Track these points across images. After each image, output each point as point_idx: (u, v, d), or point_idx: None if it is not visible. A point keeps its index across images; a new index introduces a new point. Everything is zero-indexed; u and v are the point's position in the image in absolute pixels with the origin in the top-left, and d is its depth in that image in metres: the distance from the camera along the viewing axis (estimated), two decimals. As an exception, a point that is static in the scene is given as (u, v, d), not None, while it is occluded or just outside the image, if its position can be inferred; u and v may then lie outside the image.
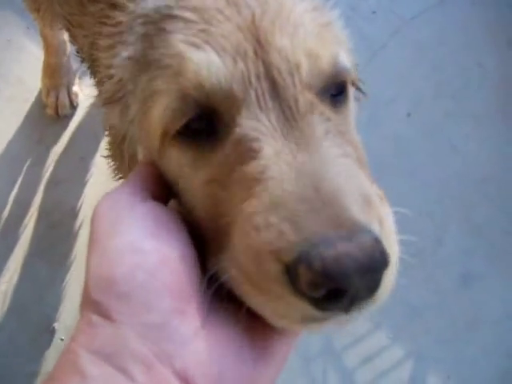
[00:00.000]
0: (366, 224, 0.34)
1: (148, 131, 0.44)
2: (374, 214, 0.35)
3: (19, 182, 1.28)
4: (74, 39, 0.89)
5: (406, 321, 1.21)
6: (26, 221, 1.25)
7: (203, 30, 0.40)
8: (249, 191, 0.37)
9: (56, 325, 1.15)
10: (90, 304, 0.35)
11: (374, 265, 0.33)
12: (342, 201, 0.34)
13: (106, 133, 0.66)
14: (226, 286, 0.38)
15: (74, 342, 0.34)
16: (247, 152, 0.38)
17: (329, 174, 0.35)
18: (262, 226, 0.35)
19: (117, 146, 0.53)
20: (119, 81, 0.48)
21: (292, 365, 1.12)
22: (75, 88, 1.33)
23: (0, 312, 1.16)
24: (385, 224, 0.36)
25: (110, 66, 0.59)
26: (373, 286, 0.34)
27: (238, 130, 0.38)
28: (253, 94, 0.39)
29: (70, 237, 1.22)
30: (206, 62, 0.39)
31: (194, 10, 0.42)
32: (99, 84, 0.75)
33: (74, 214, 1.23)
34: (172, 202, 0.45)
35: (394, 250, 0.37)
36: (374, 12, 1.47)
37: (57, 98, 1.31)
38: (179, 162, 0.42)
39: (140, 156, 0.49)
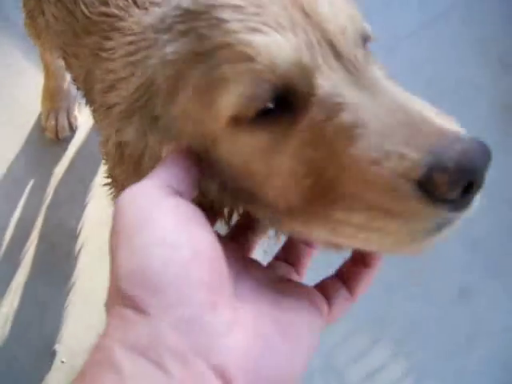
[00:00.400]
0: (461, 131, 0.40)
1: (203, 123, 0.45)
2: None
3: (20, 204, 1.29)
4: (69, 68, 0.91)
5: (405, 336, 1.22)
6: (27, 243, 1.26)
7: (256, 14, 0.42)
8: (349, 138, 0.40)
9: (57, 347, 1.15)
10: (122, 299, 0.35)
11: (489, 158, 0.39)
12: (434, 120, 0.40)
13: (105, 158, 0.68)
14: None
15: (106, 337, 0.34)
16: (334, 107, 0.40)
17: (409, 102, 0.40)
18: (382, 157, 0.38)
19: (133, 164, 0.52)
20: (142, 87, 0.49)
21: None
22: (75, 111, 1.34)
23: (1, 334, 1.17)
24: None
25: (108, 91, 0.61)
26: (484, 180, 0.39)
27: (319, 91, 0.41)
28: (320, 59, 0.41)
29: (71, 258, 1.23)
30: (274, 43, 0.41)
31: None
32: (96, 113, 0.78)
33: (74, 235, 1.24)
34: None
35: None
36: (367, 31, 1.50)
37: (56, 122, 1.32)
38: (255, 146, 0.43)
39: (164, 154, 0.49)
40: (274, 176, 0.43)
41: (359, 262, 0.47)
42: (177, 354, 0.33)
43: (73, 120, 1.34)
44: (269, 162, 0.43)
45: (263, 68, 0.41)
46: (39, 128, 1.34)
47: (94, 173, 1.29)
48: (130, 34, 0.65)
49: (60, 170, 1.31)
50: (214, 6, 0.43)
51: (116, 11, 0.73)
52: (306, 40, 0.41)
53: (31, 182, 1.31)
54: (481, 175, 0.38)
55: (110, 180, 0.77)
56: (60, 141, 1.33)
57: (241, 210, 0.53)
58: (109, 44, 0.70)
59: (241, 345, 0.35)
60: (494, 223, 1.31)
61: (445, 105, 1.42)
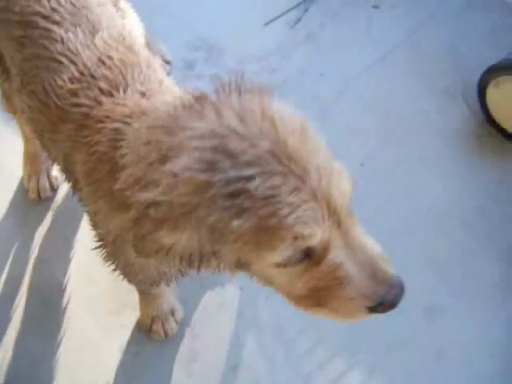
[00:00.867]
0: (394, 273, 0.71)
1: (251, 252, 0.66)
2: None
3: (8, 262, 1.38)
4: (45, 149, 1.01)
5: (379, 356, 1.30)
6: (17, 298, 1.34)
7: (304, 209, 0.64)
8: (341, 283, 0.68)
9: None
10: None
11: (403, 293, 0.72)
12: (384, 267, 0.70)
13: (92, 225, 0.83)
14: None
15: None
16: (335, 265, 0.68)
17: (373, 253, 0.70)
18: (357, 295, 0.69)
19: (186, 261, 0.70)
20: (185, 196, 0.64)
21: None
22: (54, 172, 1.44)
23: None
24: None
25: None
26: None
27: (329, 256, 0.67)
28: (332, 233, 0.67)
29: (60, 311, 1.31)
30: (314, 234, 0.64)
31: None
32: (80, 191, 0.88)
33: (61, 289, 1.33)
34: None
35: None
36: (321, 74, 1.62)
37: (37, 183, 1.43)
38: (286, 273, 0.69)
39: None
40: (290, 287, 0.71)
41: None
42: None
43: (53, 181, 1.44)
44: (290, 281, 0.70)
45: (304, 244, 0.64)
46: (22, 190, 1.44)
47: (76, 229, 1.39)
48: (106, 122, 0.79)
49: (44, 227, 1.41)
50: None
51: (87, 101, 0.84)
52: (328, 224, 0.65)
53: (18, 241, 1.40)
54: (399, 302, 0.71)
55: (101, 243, 0.93)
56: (42, 200, 1.43)
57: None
58: (85, 131, 0.80)
59: None
60: (454, 246, 1.41)
61: (400, 132, 1.55)
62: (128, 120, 0.79)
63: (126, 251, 0.88)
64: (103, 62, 0.89)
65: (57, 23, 0.91)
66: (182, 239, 0.65)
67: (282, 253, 0.64)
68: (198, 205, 0.62)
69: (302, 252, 0.66)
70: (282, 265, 0.66)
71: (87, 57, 0.89)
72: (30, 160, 1.42)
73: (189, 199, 0.62)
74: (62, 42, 0.91)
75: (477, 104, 1.58)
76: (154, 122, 0.73)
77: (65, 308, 1.32)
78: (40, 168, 1.42)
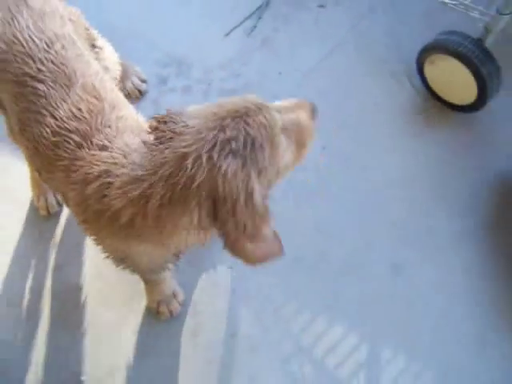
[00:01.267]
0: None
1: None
2: None
3: (30, 273, 1.58)
4: (45, 181, 1.20)
5: (356, 313, 1.50)
6: (42, 302, 1.54)
7: None
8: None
9: (84, 378, 1.44)
10: None
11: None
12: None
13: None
14: None
15: None
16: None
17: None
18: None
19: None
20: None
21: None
22: (59, 189, 1.65)
23: (35, 378, 1.45)
24: None
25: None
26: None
27: None
28: None
29: (79, 307, 1.52)
30: None
31: None
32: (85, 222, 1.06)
33: (78, 289, 1.54)
34: None
35: None
36: (280, 73, 1.83)
37: (46, 201, 1.63)
38: None
39: None
40: None
41: None
42: None
43: (59, 197, 1.64)
44: None
45: None
46: (34, 209, 1.65)
47: (83, 236, 1.59)
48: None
49: (57, 238, 1.61)
50: None
51: (66, 154, 1.02)
52: None
53: (36, 253, 1.60)
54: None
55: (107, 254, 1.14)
56: (52, 215, 1.64)
57: None
58: (72, 177, 1.00)
59: None
60: (411, 208, 1.62)
61: (355, 116, 1.77)
62: (102, 170, 0.96)
63: (132, 253, 1.07)
64: (75, 115, 1.04)
65: (41, 81, 1.06)
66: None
67: None
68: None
69: None
70: None
71: (64, 110, 1.04)
72: (37, 183, 1.62)
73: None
74: (45, 97, 1.06)
75: (419, 81, 1.79)
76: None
77: (83, 304, 1.52)
78: (46, 188, 1.63)
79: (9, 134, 1.42)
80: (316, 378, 1.43)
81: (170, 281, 1.48)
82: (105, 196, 0.91)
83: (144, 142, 0.91)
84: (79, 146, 1.01)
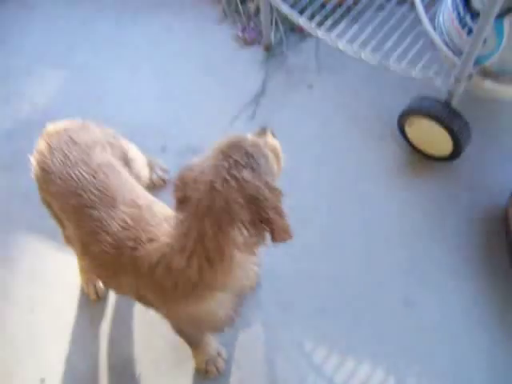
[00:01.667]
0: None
1: None
2: None
3: (87, 350, 1.76)
4: (112, 287, 1.45)
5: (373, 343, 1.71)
6: (99, 376, 1.72)
7: None
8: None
9: None
10: None
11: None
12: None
13: None
14: None
15: None
16: None
17: None
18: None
19: None
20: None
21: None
22: (104, 274, 1.89)
23: None
24: None
25: None
26: None
27: None
28: None
29: (134, 376, 1.71)
30: None
31: None
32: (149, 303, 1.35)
33: (131, 359, 1.73)
34: None
35: None
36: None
37: (94, 286, 1.85)
38: None
39: None
40: None
41: None
42: None
43: (106, 282, 1.88)
44: None
45: None
46: (84, 294, 1.87)
47: (131, 312, 1.81)
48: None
49: (107, 318, 1.82)
50: None
51: (127, 260, 1.24)
52: None
53: (91, 332, 1.79)
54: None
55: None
56: (101, 298, 1.85)
57: None
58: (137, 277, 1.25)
59: None
60: (413, 250, 1.86)
61: (350, 180, 2.02)
62: (159, 256, 1.18)
63: (207, 311, 1.26)
64: (123, 227, 1.26)
65: (94, 208, 1.30)
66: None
67: None
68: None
69: None
70: None
71: (114, 226, 1.26)
72: (85, 271, 1.84)
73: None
74: (99, 220, 1.28)
75: (402, 140, 2.07)
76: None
77: (138, 373, 1.71)
78: (93, 275, 1.87)
79: (64, 240, 1.68)
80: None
81: (213, 341, 1.68)
82: (171, 271, 1.13)
83: (176, 215, 1.13)
84: (134, 249, 1.23)
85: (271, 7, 2.17)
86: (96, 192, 1.32)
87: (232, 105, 2.22)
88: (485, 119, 2.09)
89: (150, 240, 1.21)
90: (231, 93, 2.25)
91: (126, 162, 1.54)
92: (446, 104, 1.81)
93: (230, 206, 1.02)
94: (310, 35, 2.33)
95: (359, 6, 2.09)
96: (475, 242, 1.85)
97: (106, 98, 2.29)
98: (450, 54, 1.79)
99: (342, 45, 1.91)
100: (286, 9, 2.02)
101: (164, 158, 2.08)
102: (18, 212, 2.04)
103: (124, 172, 1.44)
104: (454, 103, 1.81)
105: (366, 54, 1.87)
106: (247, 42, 2.35)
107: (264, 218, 1.05)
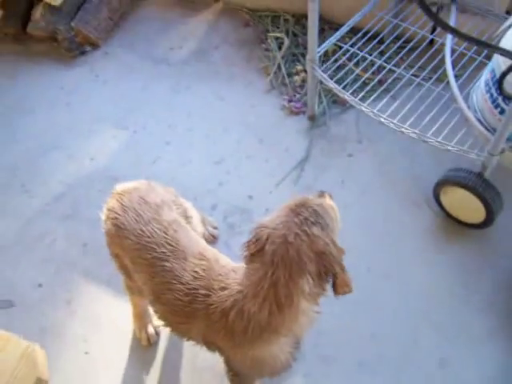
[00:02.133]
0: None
1: None
2: None
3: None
4: (180, 333, 1.57)
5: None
6: None
7: None
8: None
9: None
10: None
11: None
12: None
13: None
14: None
15: None
16: None
17: None
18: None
19: None
20: None
21: None
22: (156, 322, 2.01)
23: None
24: None
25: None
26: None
27: None
28: None
29: None
30: None
31: None
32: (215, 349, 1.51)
33: None
34: None
35: None
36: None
37: (147, 333, 1.96)
38: None
39: None
40: None
41: None
42: None
43: (157, 329, 1.99)
44: None
45: None
46: (136, 339, 2.00)
47: (180, 360, 1.92)
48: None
49: (158, 363, 1.94)
50: None
51: (199, 306, 1.37)
52: None
53: (142, 379, 1.91)
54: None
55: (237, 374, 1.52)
56: (152, 345, 1.97)
57: None
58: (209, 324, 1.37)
59: None
60: (448, 311, 1.96)
61: (388, 244, 2.11)
62: (232, 301, 1.30)
63: (270, 355, 1.37)
64: (195, 277, 1.39)
65: (166, 260, 1.43)
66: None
67: None
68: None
69: None
70: None
71: (187, 276, 1.39)
72: (139, 318, 1.95)
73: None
74: (172, 271, 1.41)
75: (437, 207, 2.21)
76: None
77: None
78: (146, 322, 1.96)
79: (126, 288, 1.83)
80: None
81: None
82: (243, 315, 1.26)
83: (247, 266, 1.27)
84: (207, 296, 1.36)
85: (317, 82, 2.38)
86: (168, 246, 1.46)
87: (278, 169, 2.39)
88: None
89: (222, 288, 1.34)
90: (277, 158, 2.44)
91: (187, 218, 1.68)
92: (480, 175, 1.96)
93: (301, 257, 1.16)
94: (350, 108, 2.54)
95: (398, 85, 2.29)
96: (508, 305, 1.95)
97: (160, 160, 2.49)
98: (483, 130, 1.96)
99: (383, 118, 2.10)
100: (333, 85, 2.22)
101: (214, 217, 2.25)
102: (77, 259, 2.21)
103: (189, 228, 1.59)
104: (488, 175, 1.96)
105: (406, 128, 2.05)
106: (293, 112, 2.55)
107: (329, 272, 1.19)
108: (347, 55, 2.44)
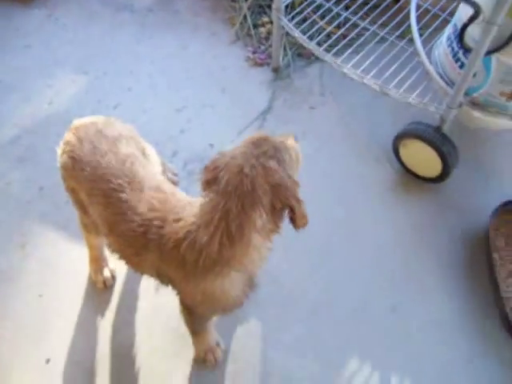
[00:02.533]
0: None
1: None
2: None
3: (90, 338, 1.85)
4: (134, 265, 1.55)
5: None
6: (102, 361, 1.79)
7: None
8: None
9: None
10: None
11: None
12: None
13: None
14: None
15: None
16: None
17: None
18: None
19: None
20: None
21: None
22: (112, 265, 1.99)
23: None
24: None
25: None
26: None
27: None
28: None
29: (135, 363, 1.79)
30: None
31: None
32: (168, 281, 1.49)
33: (132, 347, 1.82)
34: None
35: None
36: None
37: (102, 276, 1.95)
38: None
39: None
40: None
41: None
42: None
43: (113, 272, 1.98)
44: None
45: None
46: (91, 283, 1.98)
47: (135, 303, 1.92)
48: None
49: (113, 307, 1.93)
50: None
51: (155, 236, 1.36)
52: None
53: (96, 321, 1.89)
54: None
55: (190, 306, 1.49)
56: (108, 288, 1.96)
57: None
58: (164, 254, 1.35)
59: None
60: (397, 263, 2.01)
61: (347, 198, 2.21)
62: (185, 232, 1.29)
63: (221, 290, 1.35)
64: (150, 209, 1.38)
65: (123, 191, 1.41)
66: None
67: None
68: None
69: None
70: None
71: (142, 207, 1.38)
72: (95, 261, 1.94)
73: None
74: (127, 202, 1.40)
75: (396, 161, 2.24)
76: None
77: (139, 359, 1.80)
78: (102, 265, 1.95)
79: (82, 228, 1.80)
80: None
81: (213, 332, 1.80)
82: (195, 246, 1.25)
83: (202, 195, 1.26)
84: (161, 227, 1.35)
85: (282, 33, 2.36)
86: (124, 178, 1.44)
87: (240, 119, 2.39)
88: (472, 147, 2.28)
89: (177, 220, 1.33)
90: (240, 108, 2.43)
91: (145, 156, 1.66)
92: (438, 129, 2.00)
93: (255, 189, 1.16)
94: (314, 61, 2.54)
95: (362, 38, 2.29)
96: (459, 257, 2.01)
97: (121, 106, 2.45)
98: (443, 84, 1.99)
99: (346, 69, 2.10)
100: (298, 34, 2.21)
101: (174, 164, 2.24)
102: (32, 202, 2.17)
103: (147, 163, 1.57)
104: (445, 129, 2.00)
105: (368, 79, 2.06)
106: (257, 63, 2.54)
107: (285, 206, 1.19)
108: (312, 7, 2.43)
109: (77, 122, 1.65)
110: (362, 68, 2.12)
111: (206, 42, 2.68)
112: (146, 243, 1.38)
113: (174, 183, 2.16)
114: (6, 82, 2.55)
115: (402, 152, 2.17)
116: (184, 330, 1.70)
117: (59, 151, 1.62)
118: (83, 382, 1.76)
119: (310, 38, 2.28)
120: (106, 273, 1.97)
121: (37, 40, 2.72)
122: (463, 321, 1.87)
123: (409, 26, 2.20)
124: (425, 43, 2.13)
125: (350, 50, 2.24)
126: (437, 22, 2.28)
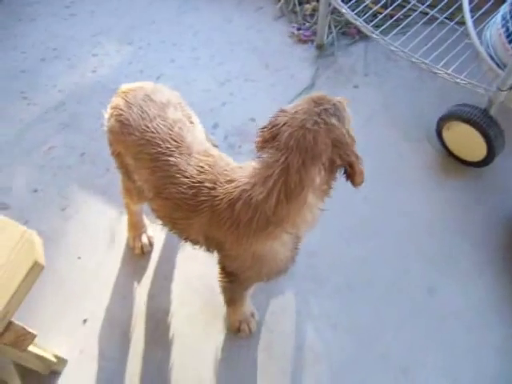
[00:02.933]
0: None
1: None
2: None
3: (127, 300, 1.88)
4: (181, 230, 1.53)
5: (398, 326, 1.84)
6: (138, 326, 1.82)
7: None
8: None
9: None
10: None
11: None
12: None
13: None
14: None
15: None
16: None
17: None
18: None
19: None
20: None
21: None
22: (150, 232, 2.02)
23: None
24: None
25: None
26: None
27: None
28: None
29: (170, 329, 1.81)
30: None
31: None
32: (215, 247, 1.49)
33: (168, 314, 1.84)
34: None
35: None
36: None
37: (140, 242, 1.98)
38: None
39: None
40: None
41: None
42: None
43: (151, 239, 2.01)
44: None
45: None
46: (129, 249, 2.01)
47: (171, 270, 1.94)
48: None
49: (149, 273, 1.95)
50: None
51: (205, 198, 1.36)
52: None
53: (133, 285, 1.92)
54: None
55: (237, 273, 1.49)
56: (145, 254, 1.99)
57: None
58: (213, 215, 1.35)
59: None
60: (439, 243, 1.99)
61: (388, 177, 2.18)
62: (240, 191, 1.28)
63: (269, 252, 1.35)
64: (200, 171, 1.39)
65: (171, 155, 1.41)
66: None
67: None
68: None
69: None
70: None
71: (191, 170, 1.39)
72: (134, 227, 1.97)
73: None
74: (176, 165, 1.40)
75: (438, 143, 2.21)
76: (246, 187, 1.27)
77: (173, 325, 1.83)
78: (141, 231, 1.98)
79: (124, 193, 1.82)
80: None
81: (249, 303, 1.81)
82: (250, 204, 1.25)
83: (256, 152, 1.26)
84: (213, 189, 1.36)
85: (328, 10, 2.34)
86: (173, 142, 1.45)
87: (282, 95, 2.38)
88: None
89: (229, 181, 1.33)
90: (282, 84, 2.42)
91: (191, 123, 1.67)
92: (485, 111, 1.96)
93: (317, 143, 1.16)
94: (359, 41, 2.51)
95: (410, 18, 2.26)
96: (498, 242, 1.98)
97: (163, 77, 2.46)
98: (494, 65, 1.95)
99: (394, 47, 2.07)
100: (346, 10, 2.18)
101: (215, 136, 2.24)
102: (74, 167, 2.21)
103: (194, 129, 1.58)
104: (493, 112, 1.96)
105: (416, 58, 2.03)
106: (301, 40, 2.52)
107: (344, 161, 1.20)
108: (361, -15, 2.39)
109: (125, 86, 1.65)
110: (410, 46, 2.08)
111: (251, 16, 2.67)
112: (196, 205, 1.38)
113: (214, 155, 2.17)
114: (51, 48, 2.59)
115: (446, 134, 2.14)
116: (218, 301, 1.73)
117: (106, 115, 1.63)
118: (118, 343, 1.80)
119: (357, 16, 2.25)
120: (144, 239, 1.99)
121: (82, 9, 2.75)
122: (501, 307, 1.85)
123: (459, 6, 2.15)
124: (475, 25, 2.08)
125: (396, 30, 2.21)
126: (489, 4, 2.22)
